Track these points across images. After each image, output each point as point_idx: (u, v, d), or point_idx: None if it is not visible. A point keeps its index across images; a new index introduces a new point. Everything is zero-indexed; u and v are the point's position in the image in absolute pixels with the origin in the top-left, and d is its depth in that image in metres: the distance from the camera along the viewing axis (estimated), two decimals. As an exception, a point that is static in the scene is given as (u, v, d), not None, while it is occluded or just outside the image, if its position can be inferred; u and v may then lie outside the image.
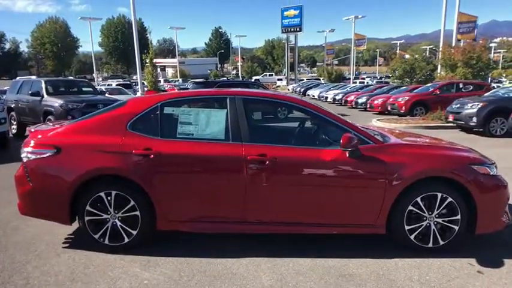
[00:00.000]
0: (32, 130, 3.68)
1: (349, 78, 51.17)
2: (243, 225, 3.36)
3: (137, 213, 3.32)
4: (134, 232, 3.35)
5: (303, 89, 35.44)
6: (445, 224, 3.31)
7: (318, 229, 3.38)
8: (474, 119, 10.43)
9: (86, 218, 3.34)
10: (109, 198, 3.30)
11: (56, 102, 9.30)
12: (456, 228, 3.31)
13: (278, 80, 55.74)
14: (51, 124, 4.04)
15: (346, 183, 3.27)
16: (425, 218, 3.31)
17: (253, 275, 3.01)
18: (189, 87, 20.91)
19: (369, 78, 57.96)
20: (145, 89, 18.52)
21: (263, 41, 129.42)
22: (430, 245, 3.34)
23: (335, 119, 3.42)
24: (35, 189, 3.35)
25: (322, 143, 3.46)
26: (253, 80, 38.82)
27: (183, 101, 3.57)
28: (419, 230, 3.32)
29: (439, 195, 3.26)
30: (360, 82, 44.09)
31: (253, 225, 3.37)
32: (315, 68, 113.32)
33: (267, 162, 3.23)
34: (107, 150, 3.30)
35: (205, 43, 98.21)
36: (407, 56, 26.47)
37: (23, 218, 4.10)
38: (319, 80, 48.29)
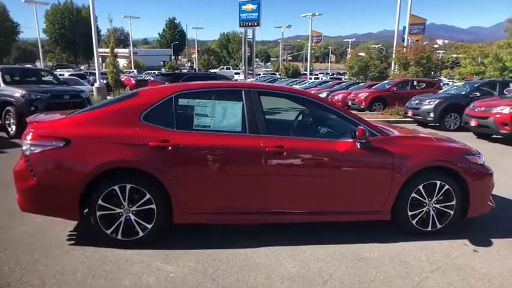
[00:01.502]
0: (32, 121, 3.44)
1: (305, 74, 52.51)
2: (260, 215, 3.44)
3: (153, 206, 3.25)
4: (149, 226, 3.29)
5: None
6: (442, 209, 3.63)
7: (331, 217, 3.54)
8: (431, 115, 11.27)
9: (98, 213, 3.21)
10: (123, 191, 3.21)
11: (17, 92, 8.60)
12: (451, 212, 3.64)
13: (235, 73, 55.61)
14: (49, 115, 3.79)
15: (357, 173, 3.46)
16: (425, 204, 3.60)
17: (277, 263, 3.11)
18: (151, 79, 20.18)
19: (322, 75, 59.83)
20: (107, 80, 17.62)
21: (218, 34, 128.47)
22: (429, 228, 3.64)
23: (346, 113, 3.59)
24: (40, 184, 3.15)
25: (334, 135, 3.62)
26: (210, 73, 38.36)
27: (198, 92, 3.54)
28: (420, 215, 3.61)
29: (438, 183, 3.56)
30: (315, 78, 45.44)
31: (270, 216, 3.45)
32: (269, 63, 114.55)
33: (285, 153, 3.32)
34: (121, 142, 3.20)
35: (159, 34, 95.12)
36: (362, 54, 27.70)
37: (14, 215, 3.88)
38: (276, 75, 49.01)
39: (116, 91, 16.46)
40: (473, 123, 9.35)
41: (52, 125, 3.31)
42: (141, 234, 3.29)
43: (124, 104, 3.41)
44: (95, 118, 3.32)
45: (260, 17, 44.19)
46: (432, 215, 3.63)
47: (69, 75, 21.93)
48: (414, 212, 3.59)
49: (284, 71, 45.14)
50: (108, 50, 21.90)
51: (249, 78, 44.30)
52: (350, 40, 69.84)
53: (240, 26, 45.50)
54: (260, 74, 50.55)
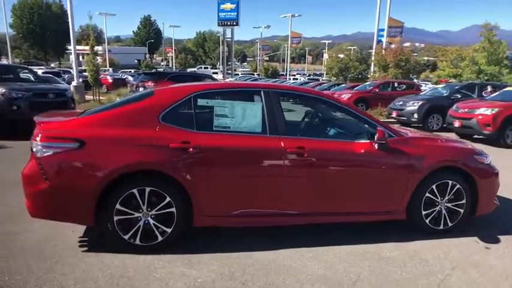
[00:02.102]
0: (40, 121, 3.26)
1: (283, 74, 52.91)
2: (281, 217, 3.41)
3: (173, 209, 3.16)
4: (169, 230, 3.19)
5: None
6: (453, 208, 3.74)
7: (350, 218, 3.57)
8: (415, 115, 11.62)
9: (115, 218, 3.08)
10: (142, 195, 3.10)
11: (-4, 90, 8.16)
12: (461, 211, 3.75)
13: (213, 73, 55.27)
14: (57, 115, 3.61)
15: (376, 173, 3.50)
16: (437, 204, 3.69)
17: (301, 265, 3.09)
18: (129, 78, 19.71)
19: (299, 75, 60.58)
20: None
21: (194, 32, 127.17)
22: (441, 227, 3.74)
23: (363, 115, 3.63)
24: (53, 188, 2.99)
25: (351, 136, 3.64)
26: (194, 72, 37.83)
27: (217, 92, 3.47)
28: (433, 214, 3.70)
29: (450, 182, 3.66)
30: (294, 79, 45.91)
31: (290, 217, 3.43)
32: (245, 63, 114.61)
33: (305, 154, 3.31)
34: (140, 143, 3.09)
35: (133, 31, 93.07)
36: (341, 56, 28.22)
37: (16, 220, 3.69)
38: (254, 75, 49.12)
39: (96, 90, 15.93)
40: (456, 124, 9.70)
41: (64, 125, 3.16)
42: (160, 238, 3.19)
43: (141, 104, 3.29)
44: (110, 119, 3.19)
45: (239, 17, 44.13)
46: (444, 213, 3.72)
47: (43, 73, 21.02)
48: (427, 211, 3.67)
49: (264, 71, 45.19)
50: (83, 47, 21.11)
51: (227, 78, 44.18)
52: (327, 41, 70.95)
53: (219, 25, 45.22)
54: (238, 74, 50.53)
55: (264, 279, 2.85)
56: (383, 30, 30.18)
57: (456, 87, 12.09)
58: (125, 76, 30.39)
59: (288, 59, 45.61)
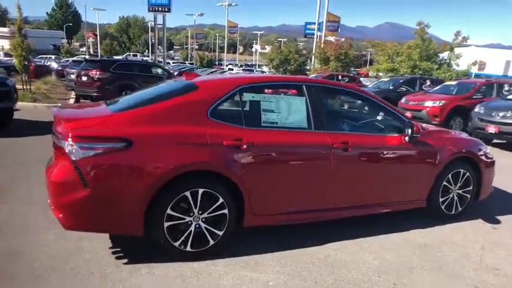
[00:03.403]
0: (66, 117, 2.81)
1: (219, 64, 52.29)
2: (327, 212, 3.42)
3: (225, 211, 2.98)
4: (220, 233, 3.01)
5: (176, 73, 34.50)
6: (463, 194, 4.10)
7: (385, 208, 3.70)
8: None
9: (166, 224, 2.81)
10: (194, 197, 2.86)
11: None
12: (469, 196, 4.14)
13: (159, 61, 52.24)
14: (78, 110, 3.13)
15: (407, 165, 3.70)
16: (450, 191, 4.02)
17: (355, 257, 3.15)
18: (53, 64, 17.64)
19: (231, 65, 60.56)
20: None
21: (116, 17, 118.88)
22: (453, 212, 4.08)
23: (393, 109, 3.77)
24: (95, 195, 2.62)
25: (384, 130, 3.76)
26: (142, 60, 35.16)
27: (262, 86, 3.32)
28: (447, 201, 4.02)
29: (462, 171, 4.01)
30: (229, 69, 45.63)
31: (335, 212, 3.46)
32: (172, 51, 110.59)
33: (349, 149, 3.35)
34: (192, 142, 2.84)
35: (48, 13, 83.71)
36: (268, 48, 28.80)
37: (20, 234, 3.17)
38: (185, 63, 47.69)
39: (24, 78, 14.08)
40: (408, 115, 10.55)
41: (104, 123, 2.75)
42: (211, 243, 2.99)
43: (186, 98, 3.01)
44: (156, 115, 2.86)
45: (171, 2, 42.53)
46: (456, 200, 4.07)
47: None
48: (443, 199, 3.98)
49: (199, 60, 44.13)
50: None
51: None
52: (259, 32, 71.74)
53: (149, 10, 43.12)
54: (169, 63, 48.61)
55: (333, 276, 2.85)
56: (313, 23, 31.51)
57: (400, 81, 13.17)
58: (48, 63, 27.43)
59: (226, 48, 45.10)
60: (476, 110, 8.77)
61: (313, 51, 23.23)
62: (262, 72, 40.11)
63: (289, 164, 3.18)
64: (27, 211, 3.70)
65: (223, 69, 42.46)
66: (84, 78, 12.44)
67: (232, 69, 44.37)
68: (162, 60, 46.34)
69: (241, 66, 61.57)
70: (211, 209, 2.93)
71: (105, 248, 3.06)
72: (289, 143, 3.17)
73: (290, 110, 3.30)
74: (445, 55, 19.36)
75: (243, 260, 3.00)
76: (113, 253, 3.00)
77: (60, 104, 10.37)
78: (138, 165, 2.69)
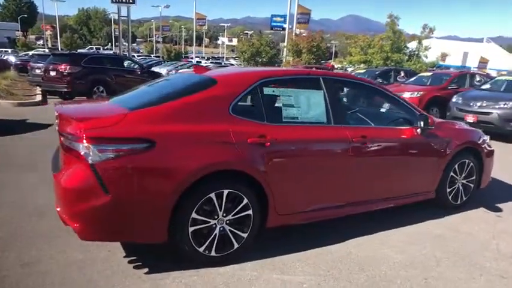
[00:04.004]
0: (78, 116, 2.53)
1: (186, 57, 51.19)
2: (346, 208, 3.36)
3: (249, 212, 2.83)
4: (245, 235, 2.86)
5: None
6: (467, 184, 4.19)
7: (399, 201, 3.70)
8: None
9: (190, 229, 2.63)
10: (219, 199, 2.70)
11: None
12: (472, 186, 4.23)
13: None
14: (87, 105, 2.85)
15: (420, 156, 3.71)
16: (456, 181, 4.10)
17: (378, 253, 3.11)
18: (11, 59, 16.45)
19: (198, 58, 59.54)
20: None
21: (75, 9, 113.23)
22: (458, 202, 4.17)
23: (405, 102, 3.76)
24: (117, 202, 2.39)
25: (397, 123, 3.74)
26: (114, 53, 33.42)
27: (282, 80, 3.18)
28: (454, 191, 4.09)
29: (467, 161, 4.09)
30: (197, 62, 44.75)
31: (354, 207, 3.41)
32: (135, 44, 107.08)
33: (367, 143, 3.30)
34: (216, 140, 2.67)
35: (0, 4, 78.15)
36: (235, 40, 28.56)
37: (17, 246, 2.87)
38: (151, 56, 46.31)
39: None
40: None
41: (121, 122, 2.50)
42: (236, 246, 2.84)
43: (206, 94, 2.81)
44: (176, 113, 2.65)
45: (135, -6, 40.58)
46: (461, 190, 4.15)
47: None
48: (450, 189, 4.05)
49: (166, 53, 42.97)
50: None
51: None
52: (226, 25, 70.82)
53: (112, 1, 41.44)
54: (134, 56, 47.00)
55: (363, 273, 2.80)
56: (279, 16, 31.51)
57: (376, 73, 13.43)
58: (6, 56, 25.67)
59: (194, 41, 44.12)
60: (454, 100, 9.09)
61: (285, 44, 23.18)
62: (231, 65, 39.70)
63: (311, 160, 3.08)
64: (23, 218, 3.38)
65: (192, 62, 41.62)
66: (52, 73, 11.69)
67: (200, 62, 43.58)
68: (126, 53, 44.79)
69: (208, 59, 60.65)
70: (235, 211, 2.78)
71: (119, 257, 2.83)
72: (311, 139, 3.07)
73: (309, 104, 3.19)
74: (413, 47, 20.01)
75: (268, 262, 2.88)
76: (130, 262, 2.78)
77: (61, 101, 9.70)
78: (162, 166, 2.49)
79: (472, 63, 35.40)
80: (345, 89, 3.82)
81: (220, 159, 2.65)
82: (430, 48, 19.75)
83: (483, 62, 33.69)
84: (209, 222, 2.70)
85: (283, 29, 29.50)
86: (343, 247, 3.18)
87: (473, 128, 4.48)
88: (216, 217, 2.73)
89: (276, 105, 3.07)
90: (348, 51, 21.26)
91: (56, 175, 2.65)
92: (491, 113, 8.10)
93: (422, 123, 3.55)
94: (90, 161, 2.35)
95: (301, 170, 3.03)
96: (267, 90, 3.03)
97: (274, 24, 35.28)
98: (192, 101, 2.75)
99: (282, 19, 29.99)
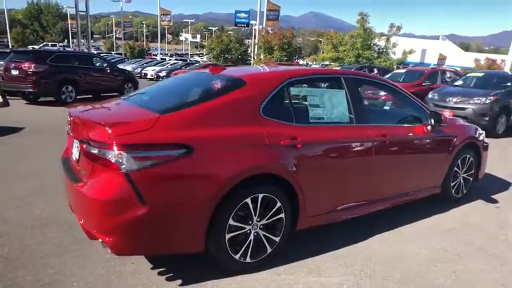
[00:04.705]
0: (105, 121, 2.34)
1: (148, 54, 49.75)
2: (368, 206, 3.38)
3: (282, 215, 2.78)
4: (277, 239, 2.80)
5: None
6: (467, 177, 4.38)
7: (410, 197, 3.77)
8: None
9: (227, 236, 2.53)
10: (254, 203, 2.61)
11: None
12: (471, 179, 4.43)
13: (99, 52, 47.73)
14: (93, 108, 2.64)
15: (431, 153, 3.83)
16: (458, 175, 4.26)
17: (400, 249, 3.17)
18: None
19: (161, 55, 58.11)
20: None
21: (24, 2, 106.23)
22: (460, 195, 4.34)
23: (416, 100, 3.84)
24: (155, 213, 2.25)
25: (409, 121, 3.81)
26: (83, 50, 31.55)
27: (307, 79, 3.14)
28: (456, 185, 4.26)
29: (468, 156, 4.27)
30: (162, 59, 43.63)
31: (374, 205, 3.43)
32: (92, 41, 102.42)
33: (387, 142, 3.35)
34: (251, 143, 2.58)
35: None
36: (198, 36, 28.26)
37: (31, 265, 2.64)
38: (111, 53, 44.63)
39: None
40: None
41: (154, 126, 2.33)
42: (269, 250, 2.77)
43: (237, 95, 2.70)
44: (209, 115, 2.52)
45: (95, -12, 39.26)
46: (462, 183, 4.33)
47: None
48: (453, 183, 4.21)
49: (129, 50, 41.52)
50: None
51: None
52: (190, 21, 69.52)
53: (69, -4, 39.17)
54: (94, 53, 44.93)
55: (397, 271, 2.83)
56: (243, 12, 31.41)
57: (352, 70, 13.72)
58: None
59: (159, 38, 42.90)
60: (430, 96, 9.48)
61: (256, 41, 23.18)
62: (197, 62, 38.98)
63: (338, 160, 3.07)
64: (25, 233, 3.11)
65: (156, 59, 40.51)
66: (14, 72, 10.86)
67: (164, 59, 42.51)
68: (86, 50, 42.96)
69: (171, 56, 59.30)
70: (269, 215, 2.71)
71: (146, 269, 2.67)
72: (337, 139, 3.06)
73: (333, 104, 3.17)
74: (381, 44, 20.71)
75: (301, 264, 2.84)
76: (160, 274, 2.63)
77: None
78: (201, 173, 2.36)
79: (431, 60, 37.23)
80: (361, 88, 3.82)
81: (258, 163, 2.56)
82: (397, 45, 20.56)
83: (442, 59, 35.54)
84: (244, 228, 2.62)
85: (248, 25, 29.53)
86: (368, 245, 3.21)
87: (469, 124, 4.68)
88: (250, 222, 2.64)
89: (302, 105, 3.01)
90: (321, 47, 21.59)
91: (76, 185, 2.44)
92: (467, 108, 8.53)
93: (433, 120, 3.66)
94: (124, 170, 2.18)
95: (328, 171, 3.02)
96: (294, 90, 2.98)
97: (239, 20, 35.17)
98: (225, 103, 2.63)
99: (246, 15, 29.94)
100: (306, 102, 3.01)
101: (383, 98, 4.40)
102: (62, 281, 2.50)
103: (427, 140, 3.75)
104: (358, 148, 3.18)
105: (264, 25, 24.58)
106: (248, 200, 2.57)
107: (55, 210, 3.58)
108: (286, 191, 2.77)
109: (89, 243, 2.92)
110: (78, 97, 11.57)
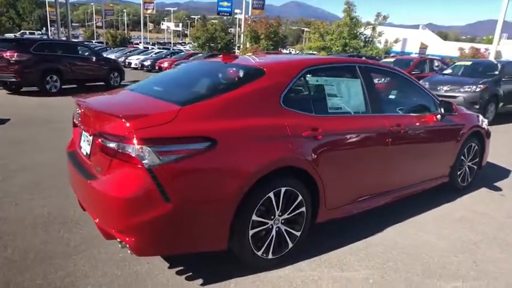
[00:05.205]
0: (123, 114, 2.17)
1: (129, 43, 48.46)
2: (384, 196, 3.34)
3: (303, 209, 2.69)
4: (298, 234, 2.72)
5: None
6: (472, 166, 4.39)
7: (422, 186, 3.74)
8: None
9: (251, 232, 2.43)
10: (277, 197, 2.51)
11: None
12: (475, 167, 4.45)
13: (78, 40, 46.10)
14: (107, 97, 2.47)
15: (442, 142, 3.81)
16: (464, 164, 4.27)
17: (419, 240, 3.14)
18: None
19: (143, 44, 56.78)
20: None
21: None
22: (465, 183, 4.36)
23: (425, 89, 3.79)
24: (180, 210, 2.12)
25: (421, 110, 3.75)
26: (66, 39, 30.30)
27: (324, 68, 3.02)
28: (462, 174, 4.27)
29: (473, 144, 4.28)
30: (144, 47, 42.60)
31: (389, 195, 3.39)
32: (71, 29, 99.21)
33: (402, 131, 3.29)
34: (274, 135, 2.47)
35: None
36: (180, 24, 27.75)
37: (38, 266, 2.49)
38: (92, 42, 43.40)
39: None
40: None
41: (176, 119, 2.18)
42: (290, 245, 2.69)
43: (256, 86, 2.56)
44: (231, 106, 2.39)
45: (73, -27, 37.95)
46: (467, 172, 4.34)
47: None
48: (460, 172, 4.22)
49: (111, 39, 40.34)
50: None
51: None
52: (172, 9, 67.96)
53: (47, -19, 37.98)
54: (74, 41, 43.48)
55: (418, 263, 2.79)
56: (226, 1, 30.93)
57: (341, 59, 13.69)
58: None
59: (142, 26, 41.78)
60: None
61: (242, 30, 22.83)
62: (180, 51, 38.29)
63: (357, 151, 3.00)
64: (26, 232, 2.92)
65: (139, 48, 39.54)
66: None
67: (147, 48, 41.54)
68: (65, 39, 41.66)
69: (153, 44, 58.01)
70: (291, 209, 2.62)
71: (164, 269, 2.55)
72: (355, 129, 2.98)
73: (350, 94, 3.09)
74: (367, 33, 20.74)
75: (322, 259, 2.77)
76: (178, 273, 2.51)
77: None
78: (225, 167, 2.24)
79: (413, 49, 37.63)
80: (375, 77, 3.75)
81: (282, 155, 2.46)
82: (383, 33, 20.64)
83: (423, 48, 36.00)
84: (267, 223, 2.52)
85: (230, 14, 29.04)
86: (384, 237, 3.16)
87: (473, 112, 4.68)
88: (272, 217, 2.55)
89: (320, 95, 2.91)
90: (304, 36, 21.47)
91: (90, 182, 2.28)
92: (458, 96, 8.62)
93: (443, 109, 3.62)
94: (146, 166, 2.04)
95: (348, 162, 2.94)
96: (312, 80, 2.87)
97: (221, 9, 34.62)
98: (247, 93, 2.49)
99: (229, 4, 29.46)
100: (323, 92, 2.90)
101: (393, 86, 4.33)
102: (74, 284, 2.35)
103: (438, 129, 3.72)
104: (376, 138, 3.11)
105: (250, 14, 24.24)
106: (271, 194, 2.46)
107: (56, 207, 3.40)
108: (306, 184, 2.68)
109: (98, 242, 2.78)
110: (63, 87, 11.14)
